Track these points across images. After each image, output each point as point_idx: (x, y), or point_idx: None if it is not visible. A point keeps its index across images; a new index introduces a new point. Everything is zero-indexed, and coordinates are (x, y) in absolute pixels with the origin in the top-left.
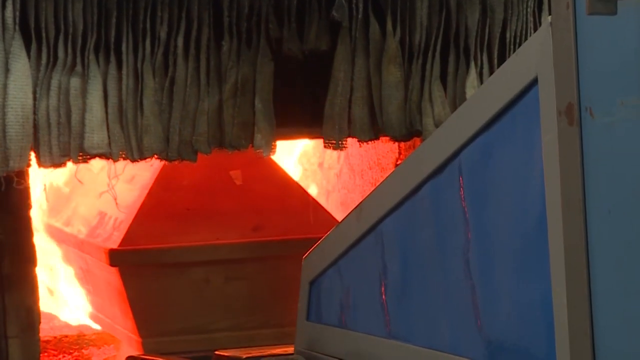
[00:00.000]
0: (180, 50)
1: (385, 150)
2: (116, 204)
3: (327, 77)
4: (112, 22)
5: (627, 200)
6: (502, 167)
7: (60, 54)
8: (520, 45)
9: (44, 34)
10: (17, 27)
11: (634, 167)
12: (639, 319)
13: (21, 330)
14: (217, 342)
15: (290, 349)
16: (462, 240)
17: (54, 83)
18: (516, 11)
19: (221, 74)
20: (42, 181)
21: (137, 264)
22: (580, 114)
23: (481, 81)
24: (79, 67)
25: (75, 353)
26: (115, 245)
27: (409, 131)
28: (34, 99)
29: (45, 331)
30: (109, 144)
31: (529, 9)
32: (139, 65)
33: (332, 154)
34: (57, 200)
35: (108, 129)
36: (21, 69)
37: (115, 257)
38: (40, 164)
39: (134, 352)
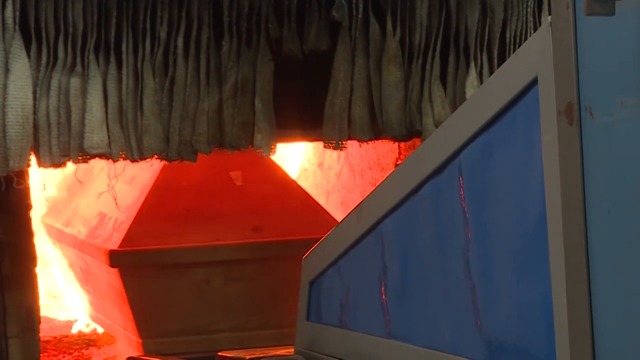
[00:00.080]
0: (180, 50)
1: (385, 150)
2: (116, 203)
3: (327, 77)
4: (112, 22)
5: (627, 200)
6: (502, 167)
7: (60, 53)
8: (520, 45)
9: (44, 34)
10: (17, 27)
11: (633, 167)
12: (639, 319)
13: (21, 330)
14: (217, 343)
15: (292, 350)
16: (462, 240)
17: (54, 83)
18: (516, 11)
19: (221, 74)
20: (41, 181)
21: (137, 265)
22: (580, 113)
23: (481, 81)
24: (79, 67)
25: (75, 353)
26: (115, 246)
27: (409, 131)
28: (34, 99)
29: (45, 331)
30: (109, 144)
31: (528, 9)
32: (139, 65)
33: (332, 154)
34: (57, 200)
35: (108, 129)
36: (21, 69)
37: (115, 258)
38: (40, 164)
39: (134, 353)
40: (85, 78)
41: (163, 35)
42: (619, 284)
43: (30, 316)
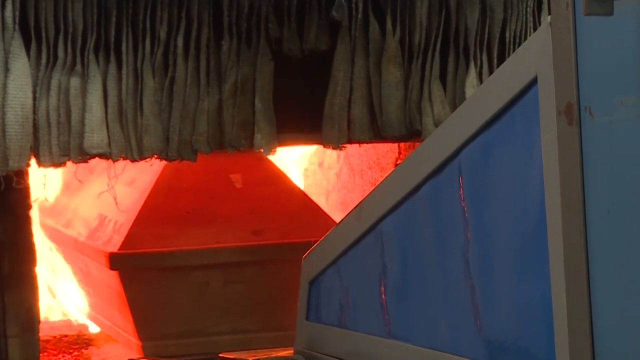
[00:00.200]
0: (180, 50)
1: (384, 150)
2: (116, 203)
3: (327, 79)
4: (112, 21)
5: (626, 199)
6: (502, 166)
7: (60, 53)
8: (519, 45)
9: (43, 34)
10: (16, 27)
11: (633, 167)
12: (638, 319)
13: (21, 330)
14: (216, 345)
15: (290, 352)
16: (461, 240)
17: (54, 83)
18: (516, 11)
19: (221, 73)
20: (41, 181)
21: (137, 268)
22: (580, 113)
23: (481, 81)
24: (78, 67)
25: (75, 353)
26: (115, 249)
27: (409, 131)
28: (34, 98)
29: (45, 331)
30: (109, 143)
31: (528, 9)
32: (138, 65)
33: (331, 154)
34: (57, 201)
35: (108, 128)
36: (21, 68)
37: (115, 261)
38: (40, 163)
39: (134, 355)
40: (85, 78)
41: (163, 35)
42: (618, 283)
43: (29, 316)
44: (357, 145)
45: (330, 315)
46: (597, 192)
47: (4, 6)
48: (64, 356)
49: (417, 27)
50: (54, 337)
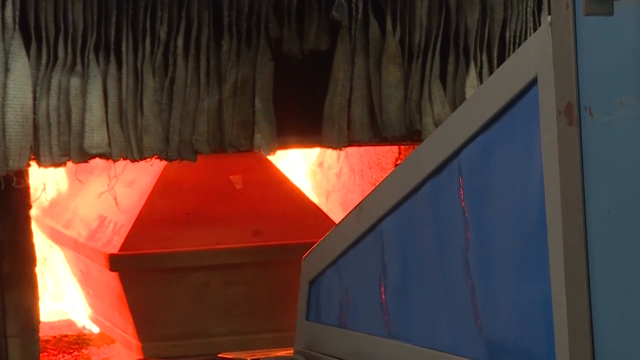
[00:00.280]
0: (180, 50)
1: (384, 150)
2: (116, 203)
3: (327, 77)
4: (112, 21)
5: (626, 199)
6: (502, 166)
7: (60, 53)
8: (519, 45)
9: (43, 34)
10: (16, 27)
11: (633, 167)
12: (638, 319)
13: (21, 330)
14: (217, 347)
15: (290, 352)
16: (461, 240)
17: (54, 83)
18: (516, 11)
19: (221, 73)
20: (42, 181)
21: (137, 269)
22: (580, 113)
23: (481, 81)
24: (79, 67)
25: (75, 353)
26: (115, 250)
27: (409, 131)
28: (34, 98)
29: (44, 331)
30: (109, 143)
31: (528, 9)
32: (138, 65)
33: (331, 154)
34: (57, 201)
35: (108, 128)
36: (21, 68)
37: (116, 262)
38: (41, 163)
39: (134, 357)
40: (85, 78)
41: (163, 35)
42: (618, 283)
43: (29, 316)
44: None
45: (330, 315)
46: (597, 192)
47: (4, 6)
48: (63, 356)
49: (417, 27)
50: (54, 337)
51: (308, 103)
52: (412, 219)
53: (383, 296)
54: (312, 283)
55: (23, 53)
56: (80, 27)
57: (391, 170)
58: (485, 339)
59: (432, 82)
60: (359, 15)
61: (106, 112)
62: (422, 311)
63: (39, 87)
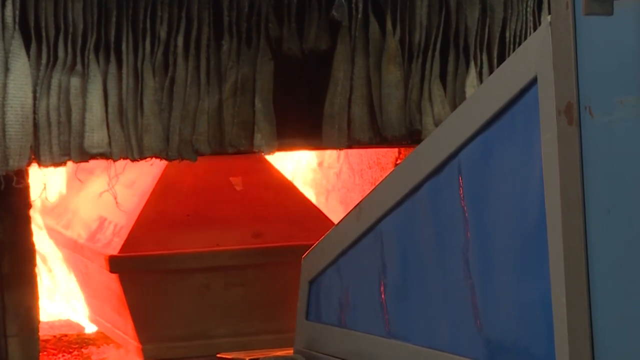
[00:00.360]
0: (180, 50)
1: (384, 150)
2: (116, 202)
3: (327, 77)
4: (112, 21)
5: (626, 199)
6: (502, 166)
7: (60, 53)
8: (519, 44)
9: (44, 34)
10: (16, 27)
11: (633, 167)
12: (638, 319)
13: (21, 330)
14: (217, 348)
15: (290, 352)
16: (461, 240)
17: (54, 82)
18: (516, 11)
19: (221, 73)
20: (42, 181)
21: (137, 270)
22: (580, 113)
23: (481, 80)
24: (79, 67)
25: (75, 352)
26: (115, 252)
27: (409, 130)
28: (34, 98)
29: (44, 330)
30: (109, 143)
31: (528, 9)
32: (139, 64)
33: (331, 153)
34: (57, 201)
35: (108, 128)
36: (21, 68)
37: (115, 264)
38: (41, 163)
39: (134, 358)
40: (85, 77)
41: (163, 34)
42: (618, 283)
43: (29, 315)
44: None
45: (330, 314)
46: (597, 192)
47: (4, 6)
48: (63, 356)
49: (417, 27)
50: (54, 336)
51: (308, 104)
52: (412, 219)
53: (383, 296)
54: (312, 283)
55: (23, 53)
56: (81, 26)
57: (391, 170)
58: (485, 339)
59: (432, 82)
60: (359, 15)
61: (106, 111)
62: (422, 311)
63: (39, 86)
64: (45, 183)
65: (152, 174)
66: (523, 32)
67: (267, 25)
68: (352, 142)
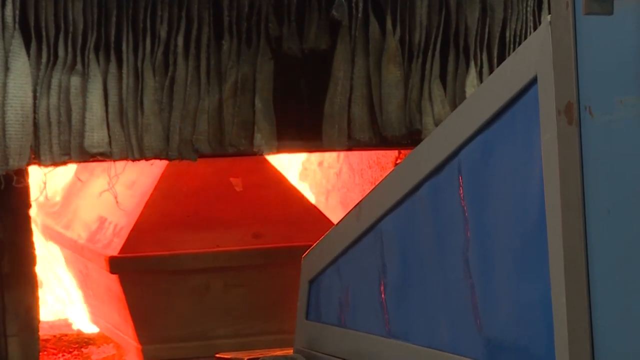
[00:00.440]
0: (180, 50)
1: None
2: (116, 201)
3: (327, 77)
4: (112, 21)
5: (626, 199)
6: (502, 166)
7: (61, 52)
8: (519, 44)
9: (44, 33)
10: (16, 26)
11: (633, 166)
12: (638, 319)
13: (20, 329)
14: (217, 349)
15: (289, 351)
16: (461, 240)
17: (54, 82)
18: (516, 10)
19: (221, 73)
20: (42, 181)
21: (137, 271)
22: (580, 113)
23: (481, 80)
24: (79, 66)
25: (75, 352)
26: (115, 253)
27: (409, 130)
28: (34, 97)
29: (44, 330)
30: (110, 142)
31: (528, 8)
32: (139, 64)
33: (331, 153)
34: (57, 201)
35: (108, 127)
36: (21, 67)
37: (116, 265)
38: (41, 162)
39: (134, 359)
40: (85, 77)
41: (163, 34)
42: (618, 283)
43: (29, 315)
44: None
45: (330, 314)
46: (597, 192)
47: (4, 5)
48: (63, 355)
49: (417, 27)
50: (54, 336)
51: (308, 104)
52: (412, 219)
53: (383, 295)
54: (312, 282)
55: (23, 52)
56: (81, 26)
57: (391, 170)
58: (485, 339)
59: (432, 82)
60: (359, 15)
61: (106, 111)
62: (422, 310)
63: (39, 86)
64: (45, 182)
65: (152, 175)
66: (523, 31)
67: (267, 25)
68: (352, 142)
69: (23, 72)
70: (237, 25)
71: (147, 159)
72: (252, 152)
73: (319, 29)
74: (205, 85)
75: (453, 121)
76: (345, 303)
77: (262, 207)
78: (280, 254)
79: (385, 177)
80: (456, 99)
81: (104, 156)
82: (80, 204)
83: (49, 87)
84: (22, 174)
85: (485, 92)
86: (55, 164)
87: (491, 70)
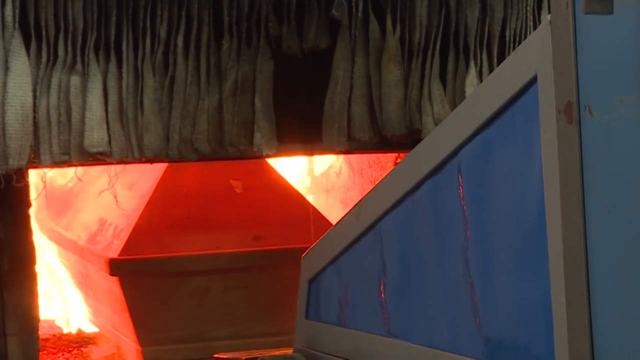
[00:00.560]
0: (180, 49)
1: None
2: (116, 201)
3: (327, 76)
4: (112, 20)
5: (626, 198)
6: (502, 165)
7: (60, 52)
8: (519, 43)
9: (44, 32)
10: (16, 25)
11: (632, 166)
12: (637, 318)
13: (20, 328)
14: (216, 350)
15: (289, 352)
16: (461, 239)
17: (54, 81)
18: (516, 10)
19: (221, 72)
20: (41, 180)
21: (137, 273)
22: (579, 112)
23: (481, 80)
24: (79, 66)
25: (75, 351)
26: (115, 255)
27: (409, 129)
28: (34, 97)
29: (44, 329)
30: (109, 142)
31: (528, 8)
32: (139, 63)
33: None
34: (57, 202)
35: (108, 127)
36: (21, 67)
37: (116, 267)
38: (41, 162)
39: None
40: (85, 76)
41: (163, 34)
42: (618, 282)
43: (29, 314)
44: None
45: (330, 313)
46: (597, 191)
47: (4, 5)
48: (63, 354)
49: (417, 26)
50: (54, 335)
51: (308, 104)
52: (412, 218)
53: (382, 295)
54: (311, 282)
55: (23, 51)
56: (81, 25)
57: (391, 169)
58: (485, 338)
59: (432, 81)
60: (359, 14)
61: (106, 110)
62: (422, 310)
63: (39, 85)
64: (45, 182)
65: (153, 176)
66: (523, 31)
67: (267, 24)
68: (351, 142)
69: (23, 71)
70: (237, 25)
71: (147, 159)
72: (251, 153)
73: (318, 28)
74: (205, 85)
75: (453, 120)
76: (345, 302)
77: (262, 209)
78: (280, 255)
79: (385, 176)
80: (456, 99)
81: (103, 155)
82: (80, 204)
83: (48, 87)
84: (21, 173)
85: (485, 91)
86: (55, 163)
87: (491, 70)
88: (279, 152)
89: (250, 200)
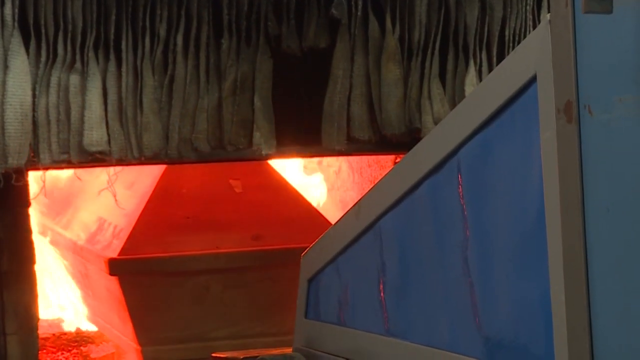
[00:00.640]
0: (179, 48)
1: None
2: (116, 200)
3: (326, 75)
4: (111, 19)
5: (625, 198)
6: (501, 164)
7: (60, 51)
8: (519, 43)
9: (43, 31)
10: (16, 24)
11: (632, 165)
12: (637, 316)
13: (19, 328)
14: (216, 350)
15: (288, 351)
16: (460, 238)
17: (54, 80)
18: (515, 9)
19: (220, 71)
20: (41, 180)
21: (136, 273)
22: (579, 111)
23: (480, 79)
24: (78, 65)
25: (74, 350)
26: (114, 254)
27: (408, 128)
28: (34, 96)
29: (43, 328)
30: (109, 141)
31: (528, 7)
32: (138, 62)
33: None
34: (57, 201)
35: (107, 126)
36: (20, 65)
37: (115, 267)
38: (40, 161)
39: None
40: (84, 75)
41: (162, 33)
42: (617, 282)
43: (28, 313)
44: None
45: (329, 313)
46: (597, 190)
47: (3, 3)
48: (62, 354)
49: (416, 25)
50: (53, 334)
51: (307, 103)
52: (411, 217)
53: (382, 294)
54: (311, 281)
55: (22, 50)
56: (80, 24)
57: (390, 168)
58: (484, 337)
59: (431, 80)
60: (359, 13)
61: (106, 109)
62: (421, 309)
63: (39, 84)
64: (45, 181)
65: (152, 176)
66: (522, 30)
67: (266, 23)
68: (351, 142)
69: (22, 70)
70: (237, 24)
71: (146, 158)
72: (251, 153)
73: (318, 27)
74: (204, 84)
75: (452, 120)
76: (345, 301)
77: (262, 209)
78: (280, 255)
79: (385, 175)
80: (455, 98)
81: (103, 154)
82: (80, 204)
83: (48, 86)
84: (21, 172)
85: (484, 90)
86: (55, 162)
87: (490, 69)
88: (277, 153)
89: (249, 200)
